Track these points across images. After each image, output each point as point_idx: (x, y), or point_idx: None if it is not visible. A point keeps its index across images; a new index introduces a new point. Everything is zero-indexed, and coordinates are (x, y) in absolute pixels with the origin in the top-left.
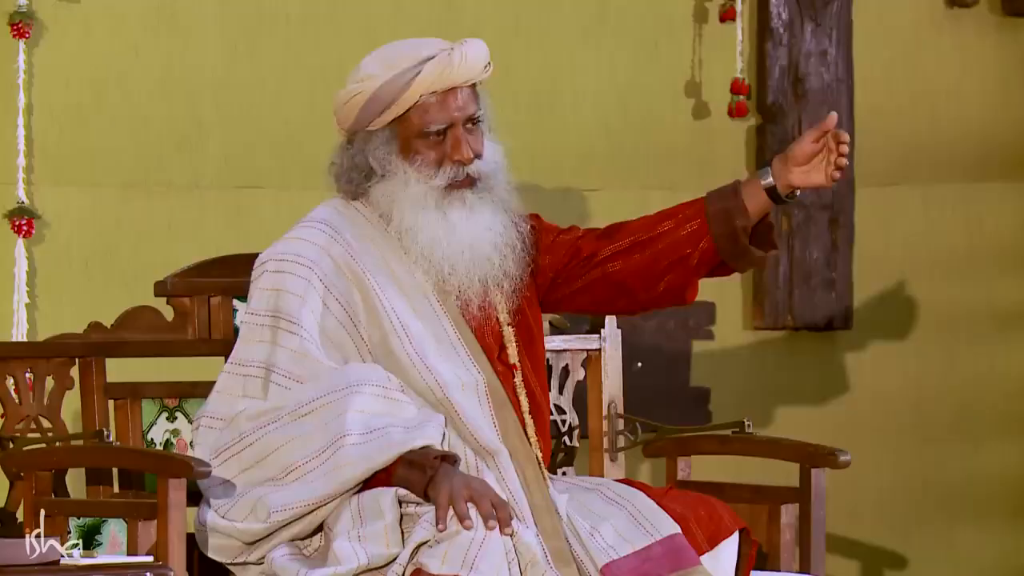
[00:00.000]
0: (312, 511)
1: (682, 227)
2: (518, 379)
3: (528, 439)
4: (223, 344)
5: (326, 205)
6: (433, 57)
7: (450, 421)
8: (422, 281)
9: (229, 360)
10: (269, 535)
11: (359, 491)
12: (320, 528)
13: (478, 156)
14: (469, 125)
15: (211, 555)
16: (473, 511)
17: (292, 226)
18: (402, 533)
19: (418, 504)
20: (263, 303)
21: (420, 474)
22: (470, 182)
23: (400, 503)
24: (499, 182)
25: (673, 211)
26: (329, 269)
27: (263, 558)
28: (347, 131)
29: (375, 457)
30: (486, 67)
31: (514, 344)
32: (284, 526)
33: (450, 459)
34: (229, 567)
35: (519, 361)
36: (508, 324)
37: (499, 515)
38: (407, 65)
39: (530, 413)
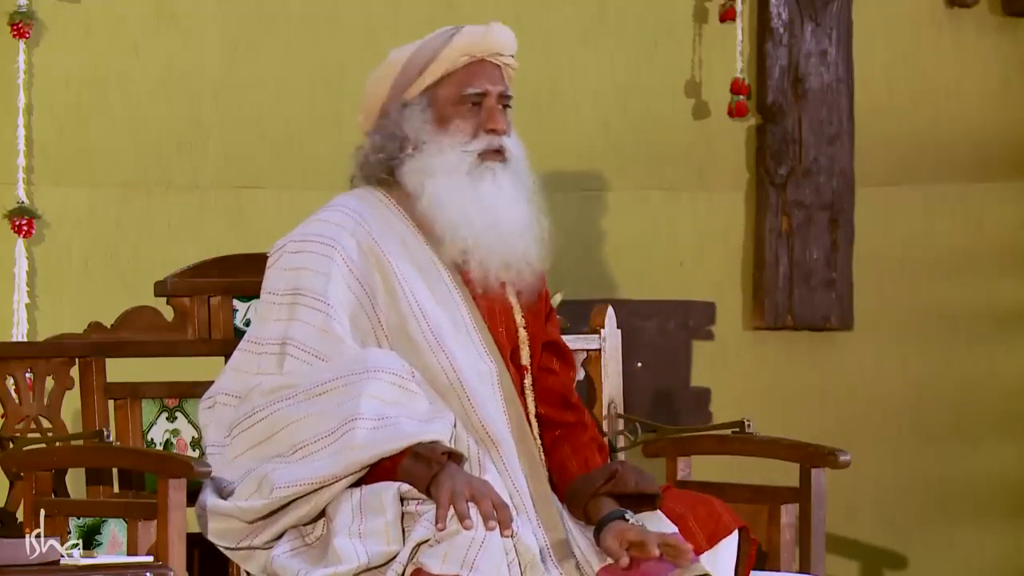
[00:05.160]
0: (316, 490)
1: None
2: (527, 381)
3: (532, 434)
4: (223, 344)
5: (348, 193)
6: (467, 26)
7: (459, 408)
8: (441, 267)
9: (245, 338)
10: (272, 514)
11: (361, 483)
12: (324, 514)
13: (508, 135)
14: (503, 102)
15: (213, 539)
16: (474, 511)
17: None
18: (403, 531)
19: (419, 502)
20: (282, 282)
21: (425, 468)
22: (502, 156)
23: (402, 500)
24: (525, 170)
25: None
26: (351, 248)
27: (269, 543)
28: (379, 111)
29: (384, 444)
30: (514, 55)
31: (527, 347)
32: (288, 506)
33: (456, 458)
34: (233, 556)
35: (529, 365)
36: (523, 327)
37: (500, 516)
38: (443, 32)
39: (536, 416)
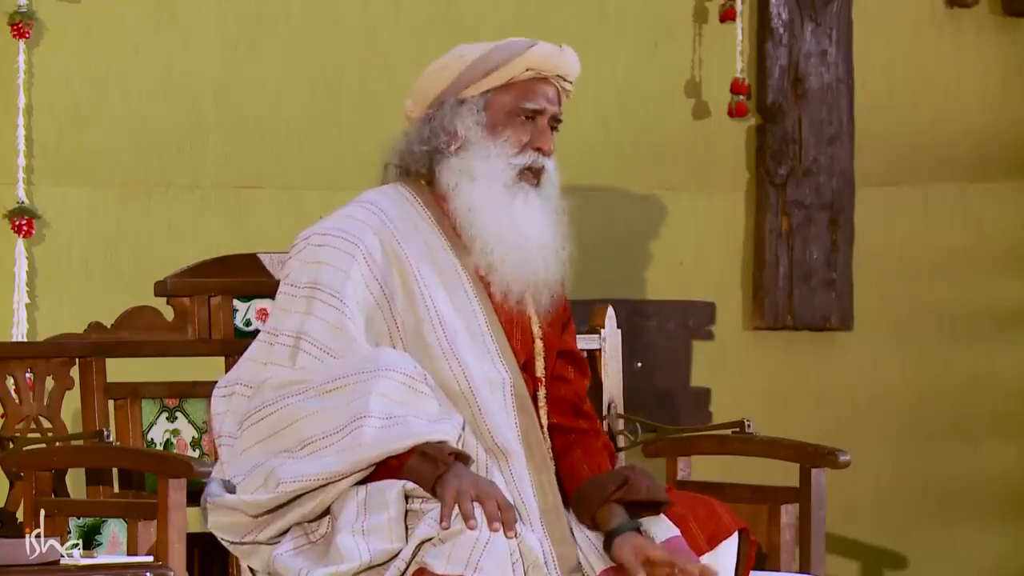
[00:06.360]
0: (322, 486)
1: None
2: (541, 392)
3: (544, 446)
4: (223, 344)
5: (377, 189)
6: (543, 43)
7: (470, 416)
8: (463, 273)
9: (263, 328)
10: (279, 509)
11: (366, 482)
12: (329, 511)
13: (551, 157)
14: (553, 124)
15: (217, 533)
16: (478, 511)
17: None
18: (406, 529)
19: (423, 500)
20: (303, 275)
21: (432, 467)
22: (539, 178)
23: (407, 498)
24: (556, 195)
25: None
26: (374, 248)
27: (274, 538)
28: (432, 100)
29: (392, 443)
30: (573, 83)
31: (542, 359)
32: (294, 501)
33: (463, 458)
34: (237, 551)
35: (543, 376)
36: (539, 338)
37: (504, 517)
38: (518, 42)
39: (548, 428)
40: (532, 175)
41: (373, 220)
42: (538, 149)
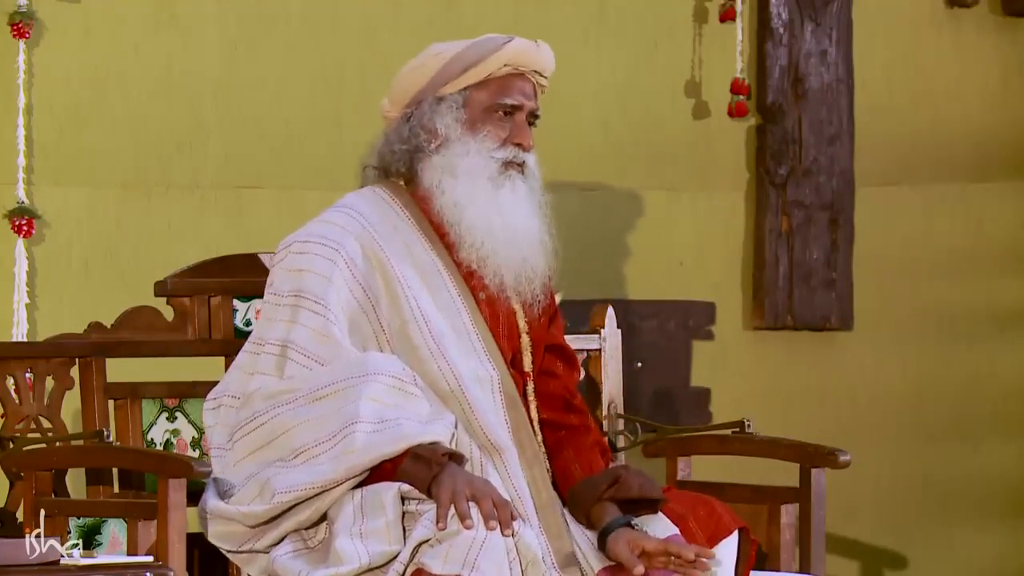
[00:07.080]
0: (317, 494)
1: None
2: (530, 387)
3: (536, 441)
4: (223, 344)
5: (355, 193)
6: (519, 38)
7: (461, 414)
8: (445, 272)
9: (249, 339)
10: (274, 519)
11: (362, 485)
12: (326, 517)
13: (531, 152)
14: (531, 119)
15: (215, 542)
16: (474, 510)
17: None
18: (403, 530)
19: (419, 502)
20: (286, 283)
21: (426, 469)
22: (523, 169)
23: (403, 500)
24: (539, 186)
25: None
26: (355, 252)
27: (271, 547)
28: (411, 99)
29: (384, 447)
30: (548, 77)
31: (529, 353)
32: (290, 510)
33: (457, 458)
34: (235, 558)
35: (532, 371)
36: (526, 332)
37: (500, 515)
38: (494, 38)
39: (539, 423)
40: (516, 167)
41: (353, 225)
42: (518, 144)
